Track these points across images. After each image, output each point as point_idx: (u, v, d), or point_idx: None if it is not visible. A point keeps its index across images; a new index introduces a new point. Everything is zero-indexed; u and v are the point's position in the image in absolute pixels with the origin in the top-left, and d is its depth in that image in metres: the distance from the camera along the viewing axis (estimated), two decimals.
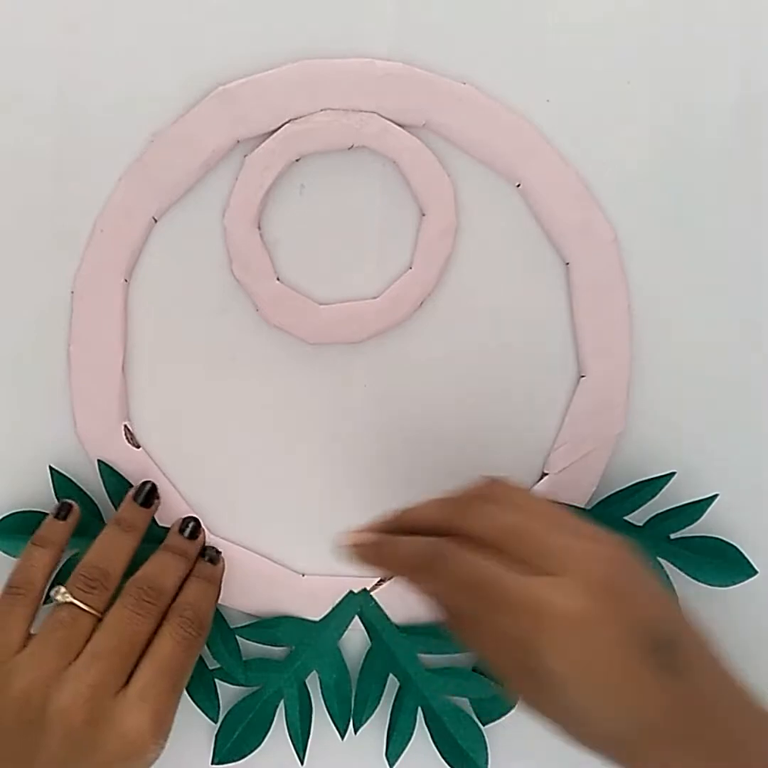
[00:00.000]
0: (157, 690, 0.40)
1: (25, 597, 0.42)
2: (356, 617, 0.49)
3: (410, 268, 0.49)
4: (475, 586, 0.35)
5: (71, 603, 0.41)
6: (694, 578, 0.48)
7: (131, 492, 0.46)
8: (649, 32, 0.48)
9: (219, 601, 0.47)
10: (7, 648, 0.40)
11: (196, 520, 0.47)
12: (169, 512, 0.48)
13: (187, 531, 0.46)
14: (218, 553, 0.47)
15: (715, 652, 0.36)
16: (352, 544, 0.40)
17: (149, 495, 0.46)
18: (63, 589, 0.42)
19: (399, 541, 0.39)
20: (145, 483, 0.46)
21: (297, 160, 0.47)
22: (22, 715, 0.38)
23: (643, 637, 0.35)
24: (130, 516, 0.45)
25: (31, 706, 0.38)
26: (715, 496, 0.48)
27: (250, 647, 0.49)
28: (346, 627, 0.49)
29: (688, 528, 0.49)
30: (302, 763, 0.48)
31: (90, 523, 0.46)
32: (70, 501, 0.46)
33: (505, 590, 0.35)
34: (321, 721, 0.48)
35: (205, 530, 0.47)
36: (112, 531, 0.44)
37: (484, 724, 0.49)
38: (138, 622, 0.41)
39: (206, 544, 0.47)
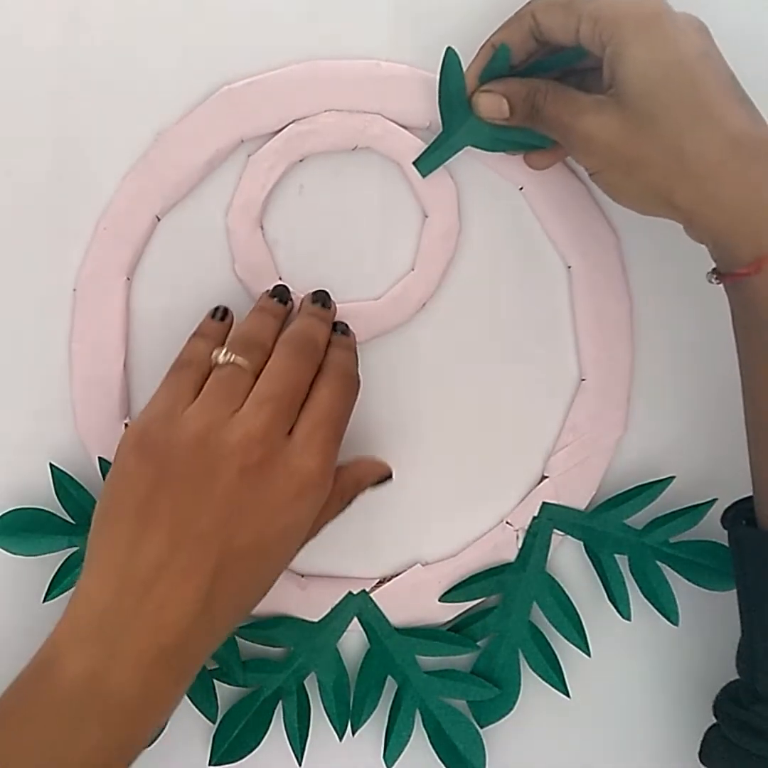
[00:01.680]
0: (320, 436, 0.40)
1: (192, 368, 0.43)
2: (355, 619, 0.49)
3: (412, 269, 0.49)
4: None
5: (231, 362, 0.42)
6: (693, 582, 0.48)
7: (266, 292, 0.46)
8: None
9: None
10: (179, 405, 0.41)
11: (325, 292, 0.47)
12: None
13: (317, 301, 0.46)
14: (347, 325, 0.46)
15: None
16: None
17: (284, 294, 0.46)
18: (224, 350, 0.42)
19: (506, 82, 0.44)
20: (278, 285, 0.47)
21: (300, 160, 0.48)
22: (198, 457, 0.39)
23: (724, 69, 0.40)
24: (271, 307, 0.46)
25: (207, 447, 0.39)
26: (715, 500, 0.48)
27: (248, 648, 0.49)
28: (345, 628, 0.49)
29: (687, 532, 0.49)
30: (300, 763, 0.48)
31: (90, 520, 0.46)
32: (227, 307, 0.46)
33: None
34: (319, 722, 0.48)
35: (335, 303, 0.47)
36: (257, 314, 0.45)
37: (481, 727, 0.49)
38: (297, 369, 0.42)
39: (336, 322, 0.47)
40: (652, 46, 0.39)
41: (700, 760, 0.45)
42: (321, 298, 0.46)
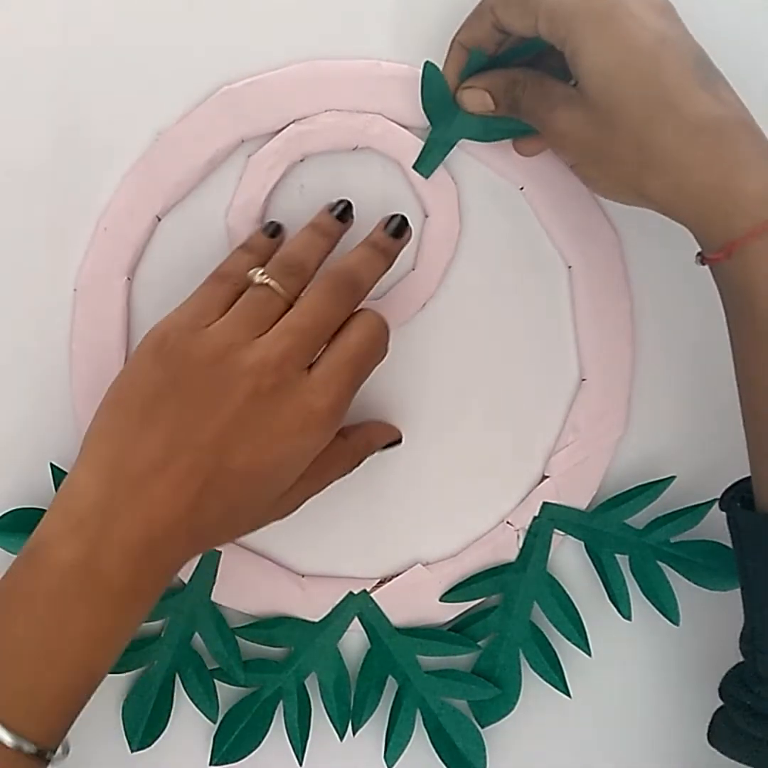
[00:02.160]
0: (338, 378, 0.40)
1: (227, 283, 0.42)
2: (356, 619, 0.49)
3: (413, 269, 0.49)
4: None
5: (267, 284, 0.41)
6: (693, 582, 0.49)
7: (326, 206, 0.45)
8: None
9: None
10: (204, 319, 0.41)
11: (403, 217, 0.45)
12: None
13: (390, 228, 0.44)
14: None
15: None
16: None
17: (345, 212, 0.45)
18: (261, 270, 0.42)
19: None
20: (342, 200, 0.45)
21: (301, 160, 0.48)
22: (212, 374, 0.39)
23: (687, 51, 0.39)
24: (327, 223, 0.44)
25: (222, 366, 0.39)
26: (715, 500, 0.48)
27: (249, 648, 0.49)
28: (346, 628, 0.49)
29: (688, 532, 0.49)
30: (301, 764, 0.48)
31: None
32: (280, 223, 0.46)
33: None
34: (320, 722, 0.48)
35: (412, 229, 0.45)
36: (309, 232, 0.44)
37: (482, 727, 0.49)
38: (332, 307, 0.41)
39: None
40: (606, 40, 0.39)
41: (709, 741, 0.45)
42: (395, 226, 0.44)
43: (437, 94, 0.46)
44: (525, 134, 0.46)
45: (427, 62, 0.46)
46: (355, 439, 0.44)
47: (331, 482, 0.44)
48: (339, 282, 0.42)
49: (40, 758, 0.37)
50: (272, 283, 0.41)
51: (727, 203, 0.39)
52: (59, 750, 0.39)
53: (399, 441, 0.48)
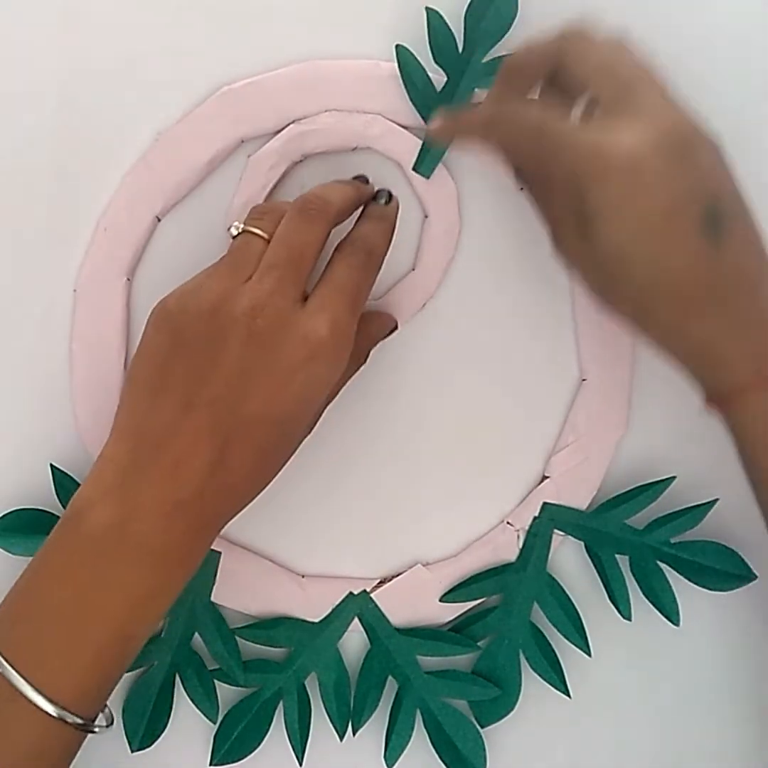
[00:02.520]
0: (334, 303, 0.40)
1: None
2: (355, 619, 0.49)
3: (413, 269, 0.49)
4: (539, 133, 0.39)
5: (242, 230, 0.42)
6: (694, 582, 0.48)
7: None
8: (649, 34, 0.48)
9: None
10: (201, 283, 0.41)
11: (366, 178, 0.46)
12: None
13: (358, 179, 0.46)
14: (391, 195, 0.45)
15: (757, 229, 0.40)
16: (436, 124, 0.43)
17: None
18: (236, 222, 0.42)
19: (473, 107, 0.43)
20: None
21: (300, 161, 0.48)
22: (208, 326, 0.39)
23: (695, 203, 0.38)
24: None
25: (217, 316, 0.39)
26: (716, 500, 0.48)
27: (249, 648, 0.49)
28: (346, 628, 0.49)
29: (688, 532, 0.49)
30: (301, 764, 0.48)
31: None
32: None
33: (567, 134, 0.38)
34: (320, 722, 0.48)
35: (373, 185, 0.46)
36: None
37: (482, 727, 0.49)
38: (305, 231, 0.41)
39: (378, 189, 0.46)
40: (622, 213, 0.38)
41: None
42: (359, 177, 0.46)
43: (419, 83, 0.46)
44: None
45: (398, 46, 0.46)
46: (357, 337, 0.43)
47: (344, 384, 0.44)
48: (306, 204, 0.42)
49: (81, 727, 0.38)
50: (245, 226, 0.42)
51: (713, 362, 0.40)
52: (101, 719, 0.40)
53: (396, 327, 0.48)
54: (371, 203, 0.45)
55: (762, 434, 0.40)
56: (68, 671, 0.38)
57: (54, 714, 0.37)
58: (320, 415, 0.43)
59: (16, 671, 0.37)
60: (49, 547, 0.39)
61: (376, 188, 0.46)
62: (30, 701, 0.37)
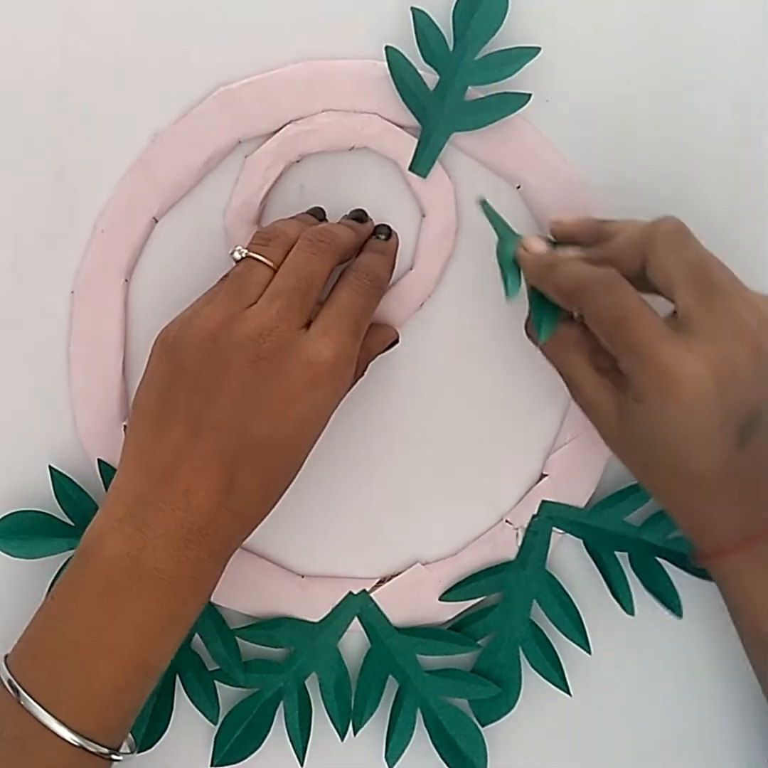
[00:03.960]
0: (337, 328, 0.41)
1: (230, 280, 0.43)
2: (355, 618, 0.49)
3: (411, 268, 0.49)
4: (621, 320, 0.39)
5: (246, 256, 0.42)
6: (693, 575, 0.48)
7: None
8: (649, 34, 0.48)
9: (219, 605, 0.47)
10: (202, 309, 0.41)
11: (363, 211, 0.47)
12: None
13: (355, 217, 0.47)
14: (391, 230, 0.47)
15: None
16: (524, 249, 0.44)
17: (319, 212, 0.47)
18: (239, 247, 0.43)
19: (569, 261, 0.42)
20: (315, 206, 0.47)
21: (298, 161, 0.48)
22: (210, 352, 0.39)
23: (735, 419, 0.38)
24: (303, 217, 0.46)
25: (219, 342, 0.39)
26: None
27: (249, 648, 0.49)
28: (346, 628, 0.49)
29: None
30: (302, 764, 0.48)
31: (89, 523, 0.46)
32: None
33: (646, 340, 0.38)
34: (320, 722, 0.48)
35: (372, 221, 0.48)
36: (287, 219, 0.46)
37: (483, 726, 0.49)
38: (313, 261, 0.41)
39: (377, 225, 0.47)
40: (664, 417, 0.39)
41: None
42: (357, 215, 0.47)
43: (411, 81, 0.47)
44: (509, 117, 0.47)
45: (388, 47, 0.46)
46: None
47: (342, 398, 0.44)
48: (316, 236, 0.42)
49: (105, 757, 0.38)
50: (250, 253, 0.42)
51: (703, 529, 0.42)
52: (125, 747, 0.40)
53: (397, 341, 0.48)
54: (372, 239, 0.46)
55: (743, 588, 0.42)
56: (90, 703, 0.38)
57: (78, 744, 0.37)
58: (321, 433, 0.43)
59: (40, 705, 0.37)
60: (64, 581, 0.40)
61: (374, 224, 0.47)
62: (55, 734, 0.37)
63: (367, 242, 0.46)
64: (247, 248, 0.42)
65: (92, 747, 0.37)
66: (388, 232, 0.47)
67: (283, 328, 0.40)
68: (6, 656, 0.40)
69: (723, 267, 0.40)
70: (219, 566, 0.41)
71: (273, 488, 0.41)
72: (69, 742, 0.37)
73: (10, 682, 0.38)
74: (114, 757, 0.39)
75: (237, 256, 0.42)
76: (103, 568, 0.38)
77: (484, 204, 0.45)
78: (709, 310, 0.38)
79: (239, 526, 0.41)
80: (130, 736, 0.41)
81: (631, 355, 0.39)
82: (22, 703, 0.37)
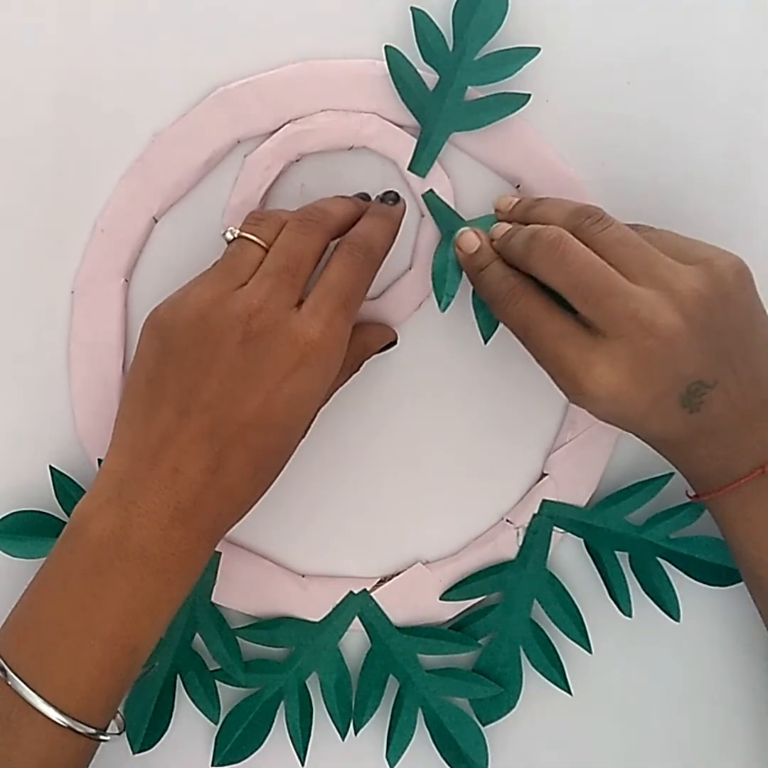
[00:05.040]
0: (327, 306, 0.40)
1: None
2: (356, 618, 0.49)
3: (409, 269, 0.49)
4: (526, 330, 0.42)
5: (236, 236, 0.42)
6: (693, 578, 0.49)
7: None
8: (649, 33, 0.48)
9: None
10: (191, 289, 0.41)
11: (367, 195, 0.47)
12: None
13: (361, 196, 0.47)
14: (398, 196, 0.46)
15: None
16: (458, 249, 0.46)
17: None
18: (231, 227, 0.42)
19: (488, 269, 0.44)
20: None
21: (297, 160, 0.48)
22: (200, 331, 0.39)
23: (672, 395, 0.40)
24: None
25: (208, 321, 0.39)
26: None
27: (250, 648, 0.49)
28: (346, 628, 0.49)
29: (687, 528, 0.49)
30: (303, 764, 0.48)
31: None
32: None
33: (551, 343, 0.41)
34: (321, 722, 0.48)
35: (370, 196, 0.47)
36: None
37: (483, 725, 0.49)
38: (303, 240, 0.41)
39: (386, 191, 0.46)
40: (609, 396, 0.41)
41: None
42: (363, 195, 0.46)
43: (411, 81, 0.47)
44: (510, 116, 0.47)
45: (387, 47, 0.46)
46: (353, 346, 0.43)
47: (335, 390, 0.44)
48: (305, 215, 0.42)
49: (92, 737, 0.38)
50: (242, 233, 0.42)
51: (685, 474, 0.45)
52: (113, 727, 0.40)
53: (394, 342, 0.48)
54: (375, 202, 0.45)
55: (744, 519, 0.43)
56: (76, 684, 0.38)
57: (65, 725, 0.37)
58: (313, 419, 0.43)
59: (27, 684, 0.37)
60: (51, 560, 0.39)
61: (382, 191, 0.46)
62: (41, 713, 0.37)
63: (370, 207, 0.45)
64: (239, 229, 0.42)
65: (79, 727, 0.37)
66: (396, 197, 0.46)
67: (272, 308, 0.39)
68: None
69: (604, 268, 0.40)
70: (207, 548, 0.40)
71: (262, 469, 0.41)
72: (55, 722, 0.37)
73: None
74: (102, 737, 0.39)
75: (229, 236, 0.42)
76: (90, 547, 0.38)
77: (427, 196, 0.45)
78: (603, 315, 0.40)
79: (227, 507, 0.40)
80: (119, 715, 0.41)
81: (543, 362, 0.42)
82: (9, 682, 0.37)
